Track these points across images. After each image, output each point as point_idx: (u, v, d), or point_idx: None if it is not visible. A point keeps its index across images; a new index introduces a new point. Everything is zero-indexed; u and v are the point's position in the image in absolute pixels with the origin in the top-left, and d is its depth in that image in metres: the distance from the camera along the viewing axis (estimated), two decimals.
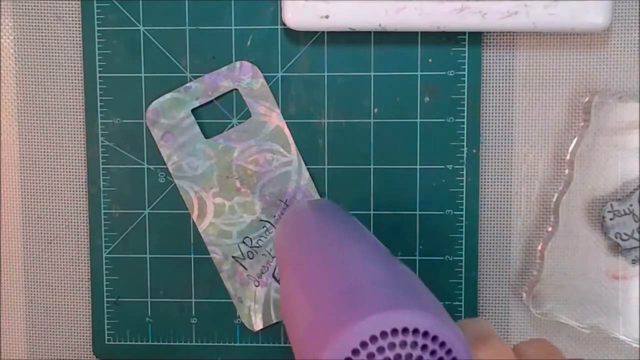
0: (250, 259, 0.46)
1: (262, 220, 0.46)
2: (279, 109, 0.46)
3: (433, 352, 0.28)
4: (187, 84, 0.45)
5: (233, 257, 0.46)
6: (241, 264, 0.46)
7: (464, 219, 0.46)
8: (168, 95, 0.45)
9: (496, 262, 0.47)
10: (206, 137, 0.46)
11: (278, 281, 0.46)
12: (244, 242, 0.46)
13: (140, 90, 0.46)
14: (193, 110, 0.46)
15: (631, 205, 0.44)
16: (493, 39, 0.46)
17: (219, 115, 0.46)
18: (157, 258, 0.47)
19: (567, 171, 0.45)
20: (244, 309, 0.47)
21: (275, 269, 0.46)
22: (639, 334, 0.45)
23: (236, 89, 0.46)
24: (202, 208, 0.46)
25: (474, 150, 0.46)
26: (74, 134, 0.47)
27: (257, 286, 0.46)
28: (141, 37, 0.46)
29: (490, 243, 0.47)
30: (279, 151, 0.46)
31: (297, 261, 0.35)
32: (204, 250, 0.47)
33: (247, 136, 0.46)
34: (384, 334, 0.27)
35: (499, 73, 0.46)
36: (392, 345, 0.27)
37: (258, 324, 0.47)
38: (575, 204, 0.45)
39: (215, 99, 0.46)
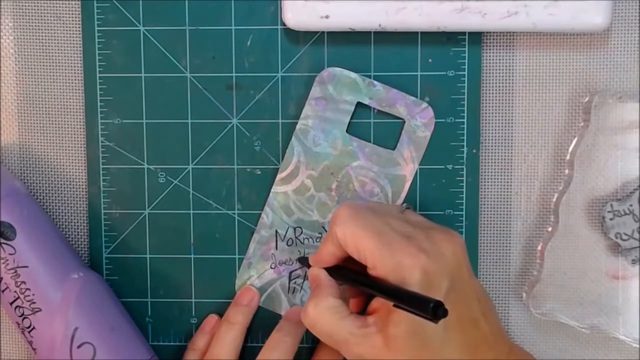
0: (288, 245, 0.46)
1: (322, 227, 0.46)
2: (418, 165, 0.45)
3: None
4: (374, 81, 0.45)
5: (277, 230, 0.46)
6: (276, 241, 0.46)
7: (464, 219, 0.46)
8: (353, 75, 0.45)
9: (496, 262, 0.47)
10: (347, 131, 0.46)
11: (290, 279, 0.46)
12: (294, 229, 0.46)
13: (140, 90, 0.46)
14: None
15: (631, 205, 0.44)
16: (493, 39, 0.46)
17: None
18: (157, 258, 0.47)
19: (567, 171, 0.45)
20: (245, 275, 0.47)
21: (295, 269, 0.46)
22: (639, 334, 0.45)
23: (403, 121, 0.45)
24: (292, 174, 0.46)
25: (474, 150, 0.46)
26: (74, 134, 0.47)
27: (272, 268, 0.46)
28: (141, 37, 0.46)
29: (490, 243, 0.47)
30: (386, 194, 0.45)
31: None
32: (204, 250, 0.47)
33: (376, 160, 0.45)
34: None
35: (499, 73, 0.46)
36: None
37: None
38: (575, 204, 0.45)
39: (379, 112, 0.45)
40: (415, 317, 0.34)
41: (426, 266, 0.37)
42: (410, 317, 0.35)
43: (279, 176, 0.46)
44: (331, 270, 0.41)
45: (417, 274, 0.37)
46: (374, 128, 0.46)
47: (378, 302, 0.39)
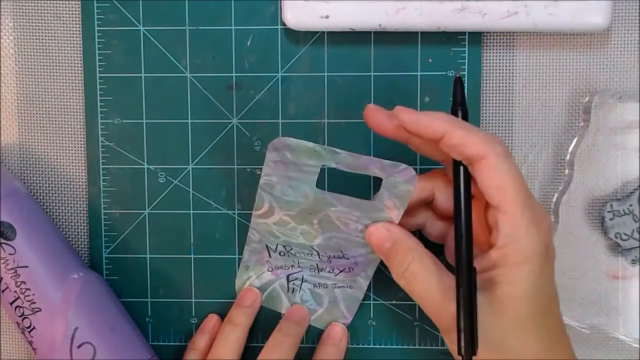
0: (281, 255, 0.45)
1: (311, 248, 0.44)
2: (403, 211, 0.40)
3: None
4: (337, 149, 0.39)
5: (267, 245, 0.45)
6: (269, 252, 0.45)
7: None
8: (310, 145, 0.39)
9: None
10: (318, 186, 0.41)
11: (289, 280, 0.46)
12: (284, 246, 0.45)
13: (140, 90, 0.46)
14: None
15: (631, 205, 0.44)
16: (493, 39, 0.46)
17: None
18: (157, 258, 0.47)
19: (567, 171, 0.45)
20: (244, 276, 0.46)
21: (292, 273, 0.46)
22: (639, 334, 0.45)
23: (381, 179, 0.40)
24: (268, 213, 0.43)
25: None
26: (74, 134, 0.47)
27: (269, 271, 0.46)
28: (141, 37, 0.46)
29: None
30: None
31: None
32: (204, 250, 0.47)
33: (356, 209, 0.41)
34: None
35: (499, 73, 0.46)
36: None
37: None
38: (575, 204, 0.45)
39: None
40: None
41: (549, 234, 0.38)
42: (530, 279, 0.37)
43: (256, 213, 0.43)
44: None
45: (548, 231, 0.37)
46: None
47: (484, 263, 0.38)
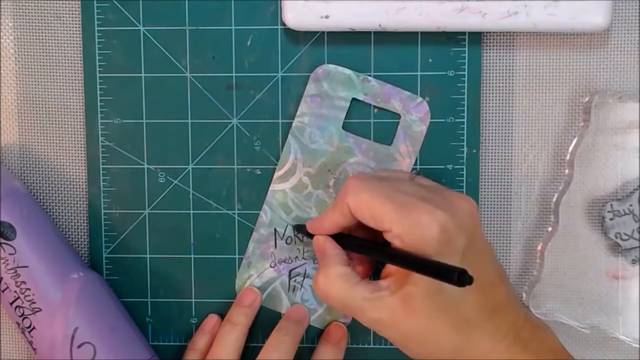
0: (287, 244, 0.46)
1: None
2: (414, 160, 0.46)
3: None
4: (369, 77, 0.45)
5: (276, 229, 0.46)
6: (275, 240, 0.46)
7: None
8: (348, 71, 0.45)
9: None
10: (343, 128, 0.46)
11: (290, 277, 0.46)
12: (293, 227, 0.46)
13: (140, 90, 0.46)
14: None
15: (631, 205, 0.44)
16: (493, 39, 0.46)
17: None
18: (157, 258, 0.47)
19: (567, 171, 0.45)
20: (245, 274, 0.47)
21: (295, 267, 0.46)
22: (639, 334, 0.45)
23: (398, 116, 0.46)
24: (289, 172, 0.46)
25: (474, 150, 0.46)
26: (74, 134, 0.47)
27: (272, 267, 0.46)
28: (141, 37, 0.46)
29: (490, 243, 0.47)
30: None
31: None
32: (204, 250, 0.47)
33: (373, 156, 0.46)
34: None
35: (499, 73, 0.46)
36: None
37: None
38: (575, 204, 0.45)
39: (377, 108, 0.46)
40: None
41: (444, 222, 0.37)
42: (428, 277, 0.35)
43: (277, 174, 0.46)
44: (336, 239, 0.42)
45: (435, 230, 0.37)
46: (370, 125, 0.46)
47: (393, 266, 0.39)
